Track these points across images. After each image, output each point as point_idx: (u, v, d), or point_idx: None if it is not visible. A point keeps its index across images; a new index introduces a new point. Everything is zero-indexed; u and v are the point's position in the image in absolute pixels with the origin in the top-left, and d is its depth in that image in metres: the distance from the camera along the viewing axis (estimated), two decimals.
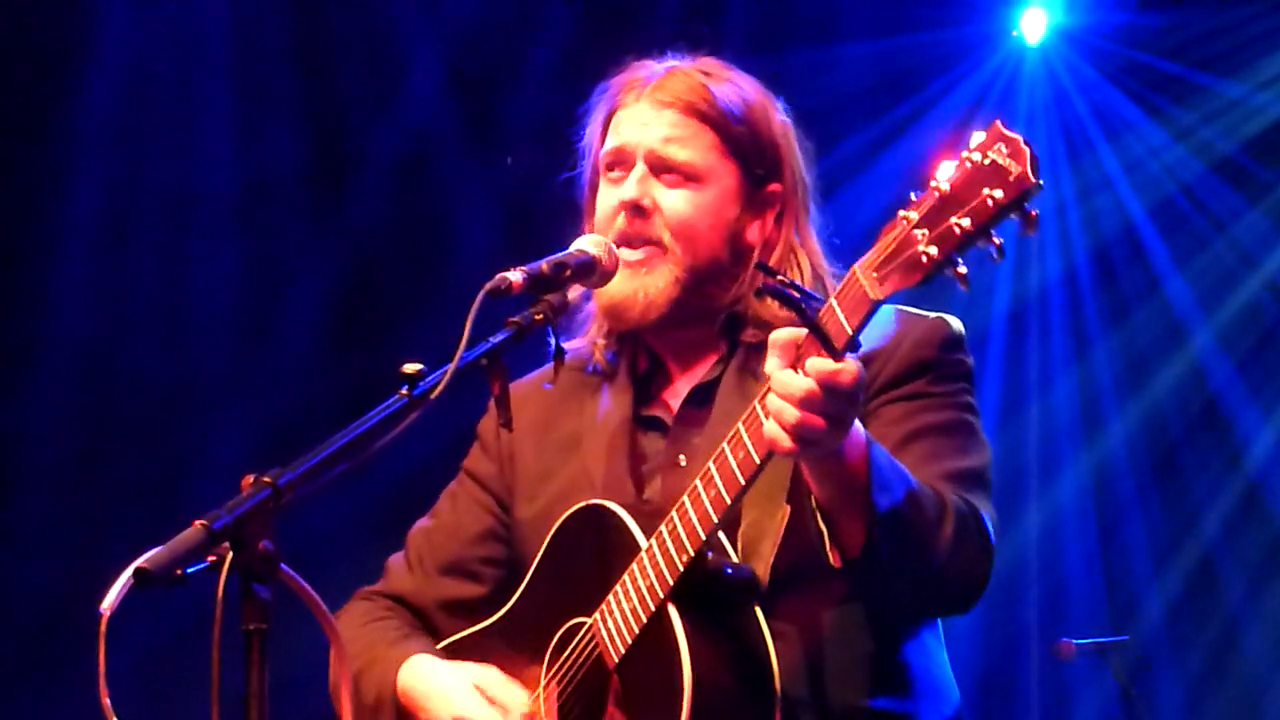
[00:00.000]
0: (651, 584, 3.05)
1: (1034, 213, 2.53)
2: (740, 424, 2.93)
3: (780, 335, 2.79)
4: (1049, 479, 8.30)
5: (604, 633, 3.14)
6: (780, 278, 2.81)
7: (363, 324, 7.29)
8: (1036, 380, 8.33)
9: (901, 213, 2.64)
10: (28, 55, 6.84)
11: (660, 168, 3.35)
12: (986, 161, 2.56)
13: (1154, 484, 8.23)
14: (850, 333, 2.70)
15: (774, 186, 3.41)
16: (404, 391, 2.74)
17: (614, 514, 3.18)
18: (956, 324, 3.31)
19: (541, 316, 3.01)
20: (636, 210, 3.32)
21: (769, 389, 2.79)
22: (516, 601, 3.38)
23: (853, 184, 7.76)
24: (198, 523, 2.40)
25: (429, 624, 3.53)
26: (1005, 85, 8.22)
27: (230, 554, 2.42)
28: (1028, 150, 2.54)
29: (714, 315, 3.37)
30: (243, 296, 7.21)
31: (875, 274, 2.67)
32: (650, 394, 3.43)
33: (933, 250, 2.58)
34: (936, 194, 2.60)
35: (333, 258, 7.31)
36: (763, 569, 3.07)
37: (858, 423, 2.86)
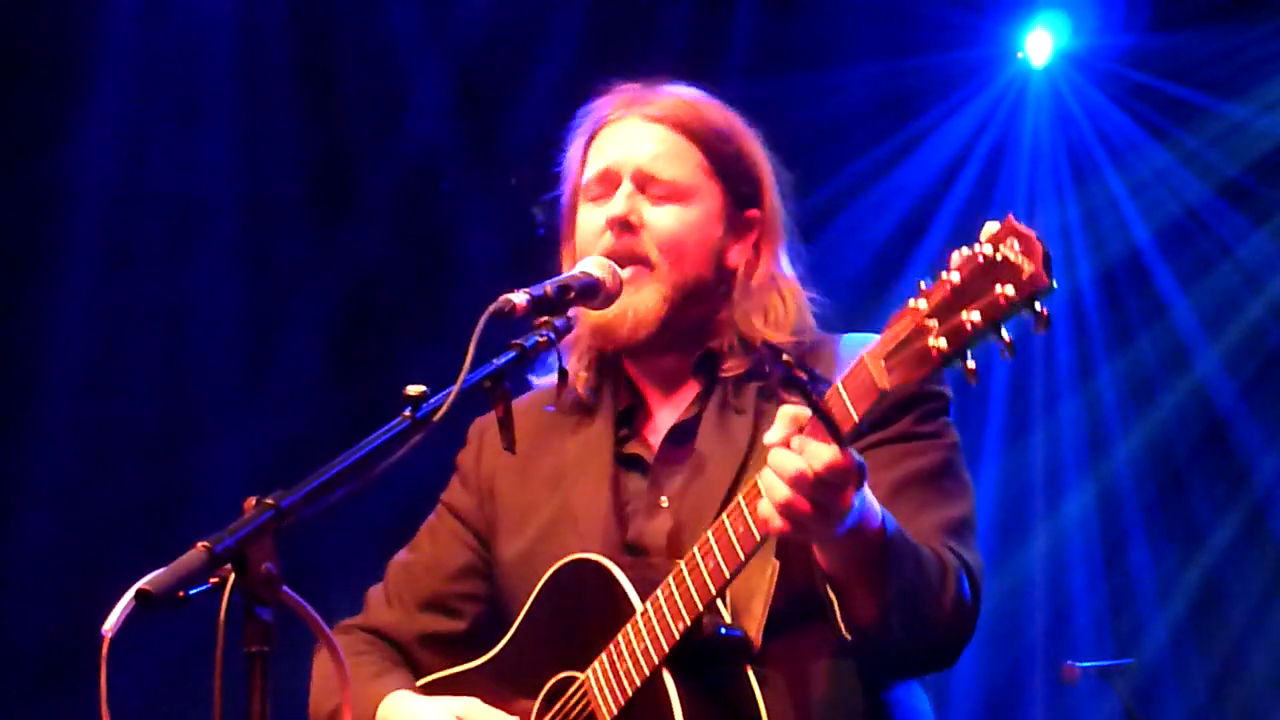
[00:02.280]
0: (646, 648, 3.05)
1: (1045, 311, 2.49)
2: (741, 498, 2.92)
3: (788, 411, 2.78)
4: (1054, 501, 8.29)
5: (596, 691, 3.14)
6: (786, 358, 2.76)
7: (366, 346, 7.28)
8: (1042, 402, 8.32)
9: (911, 302, 2.60)
10: (33, 73, 6.84)
11: (648, 184, 3.34)
12: (999, 256, 2.50)
13: (1159, 506, 8.22)
14: (856, 420, 2.68)
15: (753, 212, 3.41)
16: (407, 413, 2.73)
17: (608, 571, 3.17)
18: None
19: (545, 339, 2.99)
20: (624, 226, 3.31)
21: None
22: (504, 647, 3.36)
23: (857, 206, 7.77)
24: (200, 544, 2.40)
25: (409, 658, 3.52)
26: (1010, 107, 8.23)
27: (232, 576, 2.41)
28: (1041, 247, 2.48)
29: (698, 339, 3.37)
30: (246, 316, 7.21)
31: (884, 363, 2.63)
32: (632, 429, 3.42)
33: (943, 344, 2.54)
34: (947, 285, 2.55)
35: (336, 278, 7.31)
36: (755, 629, 3.06)
37: (873, 498, 2.86)
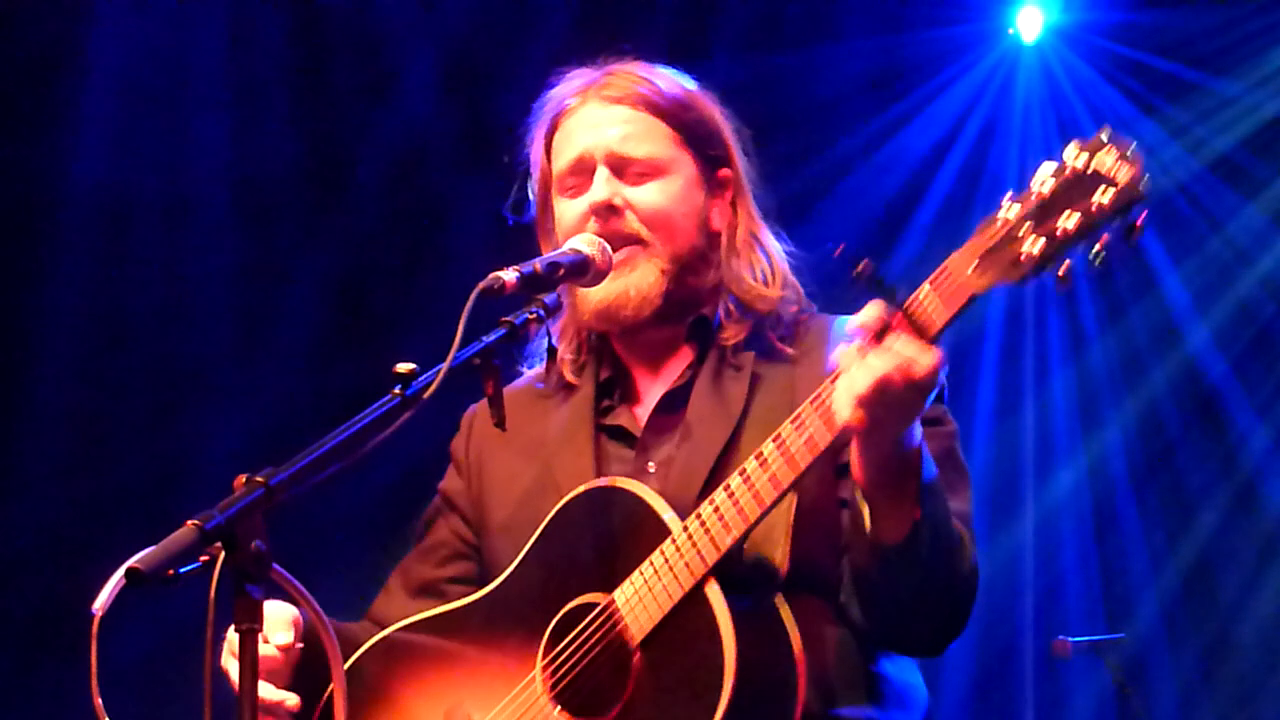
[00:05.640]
0: (690, 562, 3.02)
1: (1138, 220, 2.54)
2: (809, 403, 2.92)
3: (867, 314, 2.79)
4: (1045, 476, 8.29)
5: (628, 610, 3.09)
6: (866, 261, 2.77)
7: (357, 324, 7.27)
8: (1033, 377, 8.33)
9: (1001, 210, 2.64)
10: (25, 55, 6.83)
11: (623, 166, 3.36)
12: (1093, 165, 2.56)
13: (1150, 481, 8.23)
14: (941, 324, 2.72)
15: (724, 172, 3.45)
16: (397, 391, 2.75)
17: (634, 495, 3.15)
18: None
19: (535, 316, 3.01)
20: (609, 210, 3.33)
21: (836, 376, 2.80)
22: (503, 582, 3.34)
23: (848, 182, 7.76)
24: (190, 522, 2.40)
25: None
26: (1001, 83, 8.22)
27: (222, 554, 2.42)
28: (1139, 158, 2.55)
29: (691, 308, 3.39)
30: (238, 297, 7.20)
31: (976, 264, 2.67)
32: (614, 402, 3.43)
33: (1036, 250, 2.59)
34: (1038, 195, 2.60)
35: (327, 258, 7.30)
36: (780, 556, 3.07)
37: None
